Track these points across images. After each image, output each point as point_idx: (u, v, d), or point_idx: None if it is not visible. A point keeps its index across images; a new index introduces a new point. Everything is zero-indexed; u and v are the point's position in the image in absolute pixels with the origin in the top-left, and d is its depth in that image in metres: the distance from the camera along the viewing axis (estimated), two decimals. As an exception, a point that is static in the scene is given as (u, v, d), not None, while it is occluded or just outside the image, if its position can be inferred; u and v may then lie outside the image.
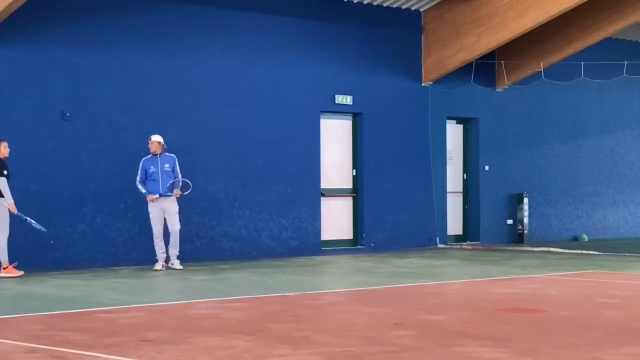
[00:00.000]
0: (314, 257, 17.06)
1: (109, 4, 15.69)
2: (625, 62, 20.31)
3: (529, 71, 20.32)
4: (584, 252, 18.27)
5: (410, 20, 19.24)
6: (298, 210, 17.67)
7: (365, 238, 18.71)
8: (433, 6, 19.20)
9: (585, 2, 17.51)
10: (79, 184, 15.24)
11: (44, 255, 14.85)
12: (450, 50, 19.02)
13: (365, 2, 18.55)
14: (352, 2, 18.46)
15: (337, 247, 18.42)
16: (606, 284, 12.82)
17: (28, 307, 10.22)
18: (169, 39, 16.24)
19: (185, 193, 14.81)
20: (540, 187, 21.67)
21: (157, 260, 14.70)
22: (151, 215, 14.73)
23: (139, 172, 14.74)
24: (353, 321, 9.18)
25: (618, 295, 11.23)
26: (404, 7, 19.07)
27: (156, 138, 14.79)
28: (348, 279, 14.19)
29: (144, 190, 14.70)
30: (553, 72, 20.37)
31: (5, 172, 13.38)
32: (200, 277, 13.42)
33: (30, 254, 14.70)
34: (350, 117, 18.84)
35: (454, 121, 20.62)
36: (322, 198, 18.11)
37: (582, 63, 20.01)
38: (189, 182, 14.85)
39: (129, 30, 15.81)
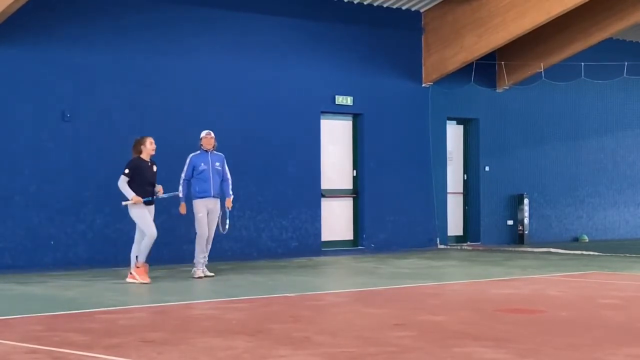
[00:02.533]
0: (314, 257, 17.05)
1: (109, 4, 15.69)
2: (626, 63, 20.31)
3: (529, 72, 20.32)
4: (584, 252, 18.26)
5: (411, 21, 19.25)
6: (298, 210, 17.67)
7: (365, 239, 18.70)
8: (433, 7, 19.20)
9: (586, 3, 17.51)
10: (79, 185, 15.24)
11: (44, 255, 14.85)
12: (450, 51, 19.02)
13: (365, 3, 18.55)
14: (353, 2, 18.46)
15: (337, 247, 18.41)
16: (606, 285, 12.82)
17: (28, 308, 10.21)
18: (169, 40, 16.24)
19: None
20: (541, 188, 21.67)
21: (196, 265, 13.37)
22: (199, 215, 13.30)
23: (186, 169, 13.45)
24: (353, 322, 9.18)
25: (618, 296, 11.22)
26: (404, 7, 19.07)
27: (212, 133, 13.59)
28: (348, 280, 14.18)
29: (181, 195, 13.37)
30: (553, 72, 20.37)
31: (126, 171, 12.67)
32: (200, 278, 13.40)
33: (31, 255, 14.72)
34: (351, 118, 18.83)
35: (454, 122, 20.62)
36: (322, 199, 18.11)
37: (583, 64, 20.01)
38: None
39: (129, 30, 15.81)
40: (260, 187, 17.19)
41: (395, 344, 7.74)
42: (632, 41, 23.08)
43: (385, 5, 18.79)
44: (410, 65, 19.29)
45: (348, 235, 18.83)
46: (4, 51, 14.60)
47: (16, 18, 14.28)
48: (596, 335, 8.30)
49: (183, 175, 13.47)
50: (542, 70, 19.95)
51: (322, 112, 18.17)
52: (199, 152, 13.60)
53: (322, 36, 18.05)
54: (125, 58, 15.75)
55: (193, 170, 13.43)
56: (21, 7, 13.92)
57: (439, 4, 19.09)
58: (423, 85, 19.48)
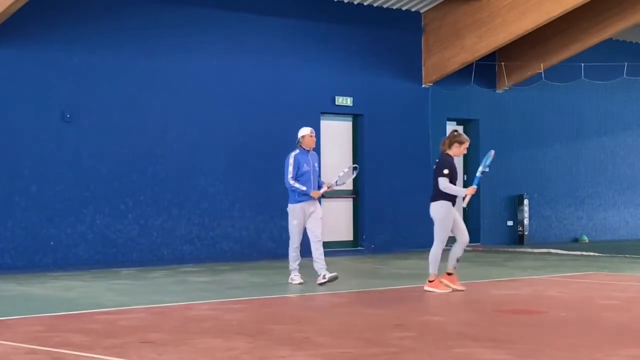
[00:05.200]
0: (314, 258, 17.00)
1: (108, 4, 15.69)
2: (626, 64, 20.31)
3: (529, 72, 20.33)
4: (584, 253, 18.26)
5: (411, 22, 19.25)
6: (298, 211, 17.62)
7: (365, 239, 18.69)
8: (433, 7, 19.20)
9: (586, 4, 17.52)
10: (79, 185, 15.24)
11: (44, 256, 14.84)
12: (450, 52, 19.02)
13: (365, 4, 18.55)
14: (353, 3, 18.46)
15: (337, 248, 18.37)
16: (606, 286, 12.82)
17: (28, 309, 10.21)
18: (169, 40, 16.24)
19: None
20: (541, 189, 21.67)
21: (292, 272, 12.80)
22: (295, 222, 12.48)
23: (291, 169, 12.31)
24: (353, 322, 9.18)
25: (618, 297, 11.23)
26: (404, 8, 19.07)
27: (314, 132, 12.58)
28: (348, 281, 14.16)
29: (304, 187, 12.27)
30: (553, 73, 20.38)
31: (445, 172, 11.59)
32: (200, 279, 13.41)
33: (31, 255, 14.72)
34: (351, 119, 18.83)
35: (454, 122, 20.60)
36: (322, 199, 18.05)
37: (583, 64, 20.02)
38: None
39: (129, 31, 15.81)
40: (260, 188, 17.17)
41: (395, 344, 7.74)
42: (631, 42, 23.09)
43: (385, 6, 18.79)
44: (410, 65, 19.29)
45: (348, 235, 18.83)
46: (4, 51, 14.60)
47: (16, 18, 14.28)
48: (596, 336, 8.30)
49: (290, 175, 12.30)
50: (542, 70, 19.96)
51: (322, 113, 18.17)
52: (298, 151, 12.44)
53: (322, 36, 18.05)
54: (125, 58, 15.75)
55: (297, 170, 12.35)
56: (21, 7, 13.92)
57: (439, 4, 19.09)
58: (423, 85, 19.48)
